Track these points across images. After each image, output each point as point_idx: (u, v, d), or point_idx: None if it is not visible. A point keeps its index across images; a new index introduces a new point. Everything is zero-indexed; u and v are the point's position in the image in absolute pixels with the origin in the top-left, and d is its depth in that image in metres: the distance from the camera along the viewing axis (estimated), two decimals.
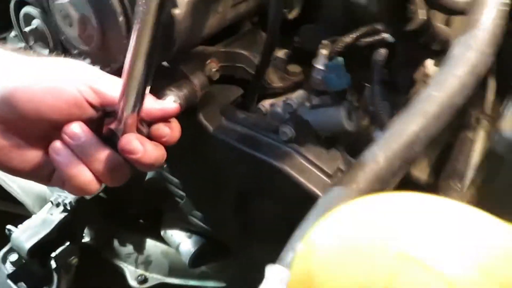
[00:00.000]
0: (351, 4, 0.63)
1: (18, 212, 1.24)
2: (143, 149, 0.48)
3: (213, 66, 0.68)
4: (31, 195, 1.22)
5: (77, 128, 0.46)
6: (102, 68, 0.60)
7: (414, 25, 0.51)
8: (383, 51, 0.63)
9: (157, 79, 0.67)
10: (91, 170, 0.48)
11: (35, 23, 0.68)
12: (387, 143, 0.36)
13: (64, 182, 0.50)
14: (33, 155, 0.49)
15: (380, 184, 0.34)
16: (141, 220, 1.12)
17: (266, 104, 0.75)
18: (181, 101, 0.61)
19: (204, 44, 0.69)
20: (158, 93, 0.59)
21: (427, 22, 0.52)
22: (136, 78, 0.43)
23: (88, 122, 0.48)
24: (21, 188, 1.23)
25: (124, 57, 0.56)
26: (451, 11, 0.50)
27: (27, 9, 0.68)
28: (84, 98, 0.46)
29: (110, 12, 0.52)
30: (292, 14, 0.80)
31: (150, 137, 0.50)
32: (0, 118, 0.46)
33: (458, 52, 0.41)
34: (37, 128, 0.48)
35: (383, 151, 0.35)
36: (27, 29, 0.68)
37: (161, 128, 0.51)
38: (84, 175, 0.47)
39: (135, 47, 0.41)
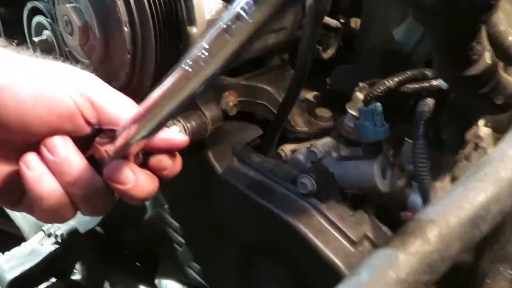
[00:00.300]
0: (396, 43, 0.54)
1: (14, 232, 1.17)
2: (135, 180, 0.39)
3: (230, 100, 0.60)
4: (29, 220, 1.15)
5: (59, 141, 0.39)
6: None
7: (476, 70, 0.41)
8: (430, 101, 0.54)
9: None
10: (67, 193, 0.39)
11: (46, 34, 0.63)
12: (444, 216, 0.25)
13: (33, 205, 0.41)
14: (3, 170, 0.41)
15: (429, 274, 0.23)
16: (137, 263, 1.02)
17: (287, 149, 0.65)
18: (188, 134, 0.53)
19: (224, 74, 0.61)
20: None
21: (492, 68, 0.43)
22: (161, 114, 0.35)
23: (77, 138, 0.40)
24: (21, 214, 1.17)
25: (126, 74, 0.49)
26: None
27: (39, 18, 0.63)
28: (80, 112, 0.39)
29: (115, 21, 0.45)
30: (327, 54, 0.72)
31: (147, 166, 0.42)
32: None
33: None
34: (16, 140, 0.40)
35: (437, 226, 0.25)
36: (35, 38, 0.62)
37: (163, 160, 0.42)
38: (56, 197, 0.39)
39: (176, 86, 0.33)
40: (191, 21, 0.49)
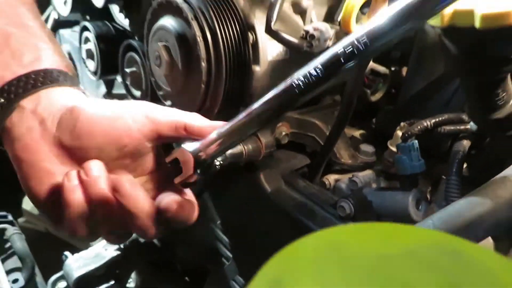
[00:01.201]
0: (435, 90, 0.60)
1: (74, 244, 1.30)
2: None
3: (283, 130, 0.68)
4: None
5: (94, 164, 0.43)
6: None
7: (502, 114, 0.47)
8: (465, 142, 0.59)
9: None
10: (89, 210, 0.43)
11: (135, 67, 0.76)
12: (442, 218, 0.31)
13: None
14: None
15: None
16: (187, 278, 1.09)
17: (331, 178, 0.72)
18: (245, 155, 0.62)
19: None
20: None
21: None
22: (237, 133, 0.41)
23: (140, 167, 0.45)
24: None
25: (200, 101, 0.59)
26: None
27: (131, 53, 0.76)
28: (137, 126, 0.44)
29: (195, 57, 0.56)
30: (375, 97, 0.79)
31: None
32: (57, 138, 0.44)
33: None
34: (85, 157, 0.44)
35: (436, 226, 0.31)
36: (127, 69, 0.76)
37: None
38: (79, 209, 0.43)
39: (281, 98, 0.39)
40: (256, 61, 0.58)
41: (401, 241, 0.17)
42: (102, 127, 0.44)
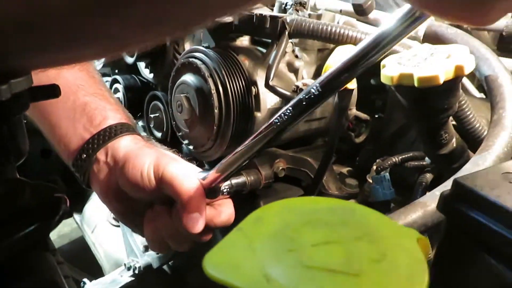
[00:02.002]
0: (403, 133, 0.74)
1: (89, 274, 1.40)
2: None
3: (280, 165, 0.82)
4: (111, 260, 1.38)
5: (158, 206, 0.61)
6: (194, 149, 0.79)
7: (446, 151, 0.60)
8: (428, 175, 0.72)
9: None
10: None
11: (158, 113, 0.92)
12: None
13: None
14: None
15: None
16: None
17: None
18: (247, 184, 0.75)
19: (277, 147, 0.84)
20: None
21: (459, 150, 0.61)
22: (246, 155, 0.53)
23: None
24: (105, 253, 1.41)
25: (212, 141, 0.74)
26: (474, 141, 0.59)
27: (155, 102, 0.92)
28: (147, 170, 0.57)
29: (210, 105, 0.71)
30: (359, 139, 0.93)
31: None
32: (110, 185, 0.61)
33: (468, 167, 0.50)
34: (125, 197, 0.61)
35: None
36: (152, 115, 0.91)
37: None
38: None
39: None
40: (258, 108, 0.74)
41: (327, 203, 0.30)
42: (127, 176, 0.58)
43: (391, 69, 0.56)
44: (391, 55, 0.61)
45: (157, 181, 0.57)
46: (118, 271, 1.18)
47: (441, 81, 0.50)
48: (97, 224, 1.51)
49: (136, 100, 1.03)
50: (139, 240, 1.24)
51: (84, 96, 0.65)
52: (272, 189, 0.84)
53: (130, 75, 1.08)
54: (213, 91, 0.70)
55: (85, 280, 1.18)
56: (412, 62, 0.55)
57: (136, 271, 1.12)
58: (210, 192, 0.58)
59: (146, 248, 1.26)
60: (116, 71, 1.18)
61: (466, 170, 0.49)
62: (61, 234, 2.31)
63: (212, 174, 0.56)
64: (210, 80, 0.70)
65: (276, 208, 0.30)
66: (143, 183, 0.58)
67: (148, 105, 0.94)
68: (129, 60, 0.97)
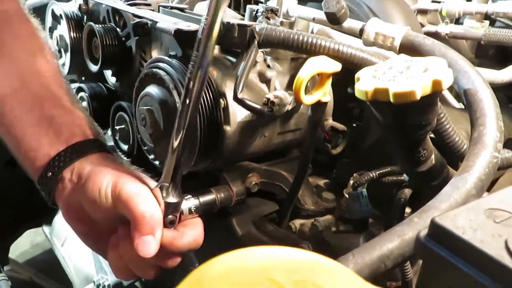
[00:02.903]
0: (379, 146, 0.71)
1: None
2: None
3: (253, 180, 0.78)
4: (81, 275, 1.32)
5: (121, 230, 0.58)
6: (160, 164, 0.74)
7: (425, 168, 0.57)
8: (406, 191, 0.69)
9: (204, 183, 0.79)
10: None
11: (124, 125, 0.86)
12: (360, 252, 0.40)
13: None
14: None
15: None
16: None
17: (297, 223, 0.81)
18: (218, 203, 0.71)
19: (250, 160, 0.80)
20: (202, 191, 0.70)
21: (438, 167, 0.58)
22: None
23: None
24: (75, 268, 1.35)
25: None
26: (453, 156, 0.56)
27: (121, 113, 0.87)
28: (105, 188, 0.55)
29: (174, 119, 0.66)
30: (336, 151, 0.89)
31: None
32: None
33: (447, 190, 0.46)
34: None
35: (355, 259, 0.40)
36: (117, 127, 0.86)
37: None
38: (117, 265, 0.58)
39: None
40: (227, 122, 0.69)
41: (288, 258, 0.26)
42: (86, 194, 0.56)
43: (365, 83, 0.52)
44: (366, 67, 0.58)
45: (114, 200, 0.55)
46: None
47: (418, 97, 0.47)
48: (67, 237, 1.44)
49: (102, 110, 0.97)
50: None
51: (50, 109, 0.61)
52: (245, 205, 0.79)
53: (97, 83, 1.02)
54: (178, 104, 0.65)
55: None
56: (387, 75, 0.51)
57: None
58: (171, 209, 0.56)
59: None
60: (83, 78, 1.12)
61: (445, 193, 0.45)
62: (34, 243, 2.23)
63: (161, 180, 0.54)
64: (174, 93, 0.66)
65: (222, 266, 0.26)
66: (101, 201, 0.55)
67: (113, 116, 0.88)
68: (93, 68, 0.91)
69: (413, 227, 0.42)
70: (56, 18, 1.06)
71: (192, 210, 0.65)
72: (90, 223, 0.59)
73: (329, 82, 0.62)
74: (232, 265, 0.26)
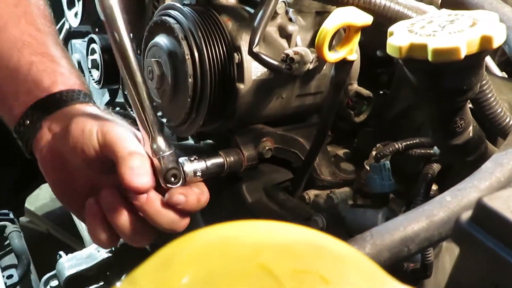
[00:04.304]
0: (408, 115, 0.64)
1: (72, 246, 1.35)
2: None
3: (267, 145, 0.72)
4: None
5: (107, 193, 0.51)
6: (168, 122, 0.69)
7: (461, 141, 0.50)
8: (435, 166, 0.62)
9: (214, 144, 0.73)
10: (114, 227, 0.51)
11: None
12: (380, 232, 0.35)
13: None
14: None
15: None
16: None
17: (311, 193, 0.75)
18: (226, 166, 0.65)
19: (265, 124, 0.74)
20: (210, 154, 0.64)
21: (475, 140, 0.51)
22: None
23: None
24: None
25: (185, 114, 0.63)
26: (495, 129, 0.49)
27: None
28: (89, 130, 0.50)
29: (183, 73, 0.60)
30: (359, 118, 0.82)
31: None
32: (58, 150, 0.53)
33: (488, 166, 0.39)
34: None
35: (373, 239, 0.34)
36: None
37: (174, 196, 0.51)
38: (99, 233, 0.51)
39: None
40: (241, 79, 0.63)
41: (281, 235, 0.20)
42: (69, 137, 0.51)
43: (400, 37, 0.45)
44: (401, 21, 0.50)
45: (100, 142, 0.50)
46: (95, 246, 1.11)
47: (462, 55, 0.40)
48: None
49: (113, 63, 0.92)
50: None
51: (30, 55, 0.56)
52: (257, 171, 0.74)
53: None
54: (188, 56, 0.59)
55: (60, 253, 1.12)
56: (426, 30, 0.44)
57: (113, 248, 1.05)
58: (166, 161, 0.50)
59: None
60: (97, 29, 1.06)
61: (485, 170, 0.39)
62: (53, 197, 2.27)
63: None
64: (184, 43, 0.59)
65: (200, 244, 0.20)
66: (84, 144, 0.50)
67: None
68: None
69: (444, 207, 0.36)
70: None
71: (198, 174, 0.60)
72: (68, 172, 0.54)
73: (357, 37, 0.54)
74: (213, 244, 0.21)
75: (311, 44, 0.69)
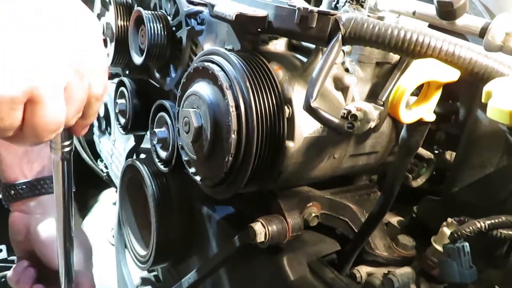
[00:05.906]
0: (489, 185, 0.53)
1: None
2: None
3: (313, 211, 0.62)
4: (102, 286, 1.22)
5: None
6: (202, 181, 0.60)
7: None
8: None
9: (251, 207, 0.64)
10: None
11: (164, 128, 0.73)
12: None
13: None
14: None
15: None
16: None
17: (363, 271, 0.64)
18: (267, 237, 0.56)
19: (311, 186, 0.65)
20: (247, 220, 0.55)
21: None
22: None
23: None
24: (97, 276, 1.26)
25: (225, 173, 0.54)
26: None
27: (162, 114, 0.74)
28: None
29: (225, 128, 0.52)
30: (417, 183, 0.72)
31: None
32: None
33: None
34: None
35: None
36: (156, 130, 0.73)
37: None
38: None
39: None
40: (291, 136, 0.54)
41: None
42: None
43: (506, 100, 0.35)
44: (496, 79, 0.41)
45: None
46: None
47: None
48: (94, 242, 1.35)
49: (142, 108, 0.85)
50: (134, 272, 1.06)
51: None
52: (300, 241, 0.64)
53: (140, 79, 0.90)
54: (232, 108, 0.51)
55: None
56: None
57: None
58: None
59: (142, 281, 1.08)
60: (127, 72, 1.01)
61: None
62: None
63: None
64: (228, 93, 0.52)
65: None
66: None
67: (154, 117, 0.76)
68: (138, 60, 0.79)
69: None
70: (104, 4, 0.96)
71: None
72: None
73: (437, 95, 0.45)
74: None
75: (369, 98, 0.60)
